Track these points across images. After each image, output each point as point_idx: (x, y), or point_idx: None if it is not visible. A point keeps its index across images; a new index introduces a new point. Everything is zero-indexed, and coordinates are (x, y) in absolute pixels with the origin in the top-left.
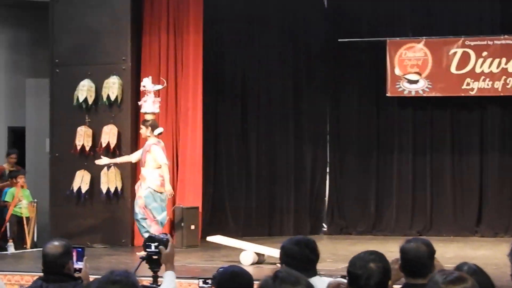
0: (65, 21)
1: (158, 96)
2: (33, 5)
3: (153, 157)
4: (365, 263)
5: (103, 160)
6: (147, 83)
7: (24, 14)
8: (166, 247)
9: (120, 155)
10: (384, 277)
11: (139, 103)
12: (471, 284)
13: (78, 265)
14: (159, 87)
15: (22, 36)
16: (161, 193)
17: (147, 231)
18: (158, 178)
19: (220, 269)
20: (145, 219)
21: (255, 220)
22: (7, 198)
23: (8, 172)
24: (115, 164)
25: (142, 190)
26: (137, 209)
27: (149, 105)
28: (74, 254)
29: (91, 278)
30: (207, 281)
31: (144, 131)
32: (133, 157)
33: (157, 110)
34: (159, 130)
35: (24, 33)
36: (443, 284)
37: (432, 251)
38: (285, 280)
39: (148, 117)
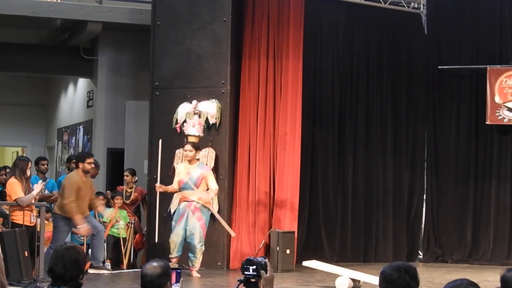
0: (166, 44)
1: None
2: (134, 28)
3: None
4: None
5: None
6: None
7: (125, 37)
8: (265, 270)
9: (218, 178)
10: None
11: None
12: None
13: (176, 286)
14: None
15: (124, 58)
16: None
17: None
18: None
19: None
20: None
21: (350, 245)
22: (105, 218)
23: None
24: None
25: None
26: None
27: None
28: (172, 275)
29: None
30: None
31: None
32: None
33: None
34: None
35: (126, 55)
36: None
37: None
38: None
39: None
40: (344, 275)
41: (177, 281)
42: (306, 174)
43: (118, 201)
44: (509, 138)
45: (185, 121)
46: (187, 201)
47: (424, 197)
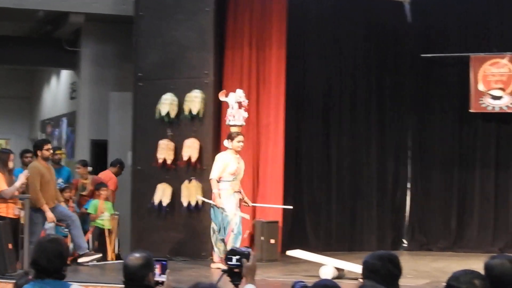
0: (149, 35)
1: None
2: (118, 19)
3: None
4: (470, 279)
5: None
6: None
7: (108, 28)
8: (248, 260)
9: (201, 169)
10: None
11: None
12: None
13: (162, 278)
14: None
15: (107, 50)
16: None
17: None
18: None
19: (298, 283)
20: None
21: (335, 234)
22: (90, 210)
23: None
24: (196, 177)
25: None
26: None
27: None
28: (158, 266)
29: None
30: None
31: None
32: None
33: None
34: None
35: (109, 47)
36: None
37: None
38: None
39: None
40: (329, 264)
41: (163, 272)
42: (291, 163)
43: (104, 192)
44: (493, 126)
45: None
46: (237, 191)
47: (409, 186)
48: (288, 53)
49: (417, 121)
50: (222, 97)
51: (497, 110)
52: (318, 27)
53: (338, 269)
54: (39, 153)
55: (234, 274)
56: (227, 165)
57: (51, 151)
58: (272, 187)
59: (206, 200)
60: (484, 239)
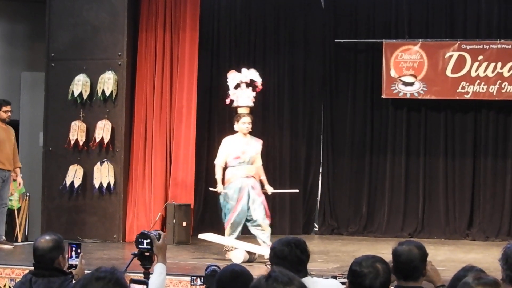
0: (62, 15)
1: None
2: None
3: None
4: (372, 263)
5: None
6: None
7: (20, 7)
8: (158, 240)
9: (114, 151)
10: (389, 279)
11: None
12: None
13: (75, 261)
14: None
15: (18, 29)
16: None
17: None
18: None
19: (210, 267)
20: None
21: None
22: None
23: None
24: (108, 159)
25: None
26: None
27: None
28: (71, 250)
29: None
30: (198, 279)
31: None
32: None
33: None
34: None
35: (20, 26)
36: (474, 284)
37: (424, 254)
38: (278, 280)
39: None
40: (240, 247)
41: (77, 255)
42: (203, 147)
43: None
44: (404, 112)
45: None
46: (244, 176)
47: (320, 170)
48: (200, 35)
49: (329, 106)
50: (231, 76)
51: (408, 96)
52: (230, 11)
53: (249, 252)
54: None
55: (145, 258)
56: (231, 149)
57: (9, 114)
58: (184, 170)
59: (211, 188)
60: (394, 224)
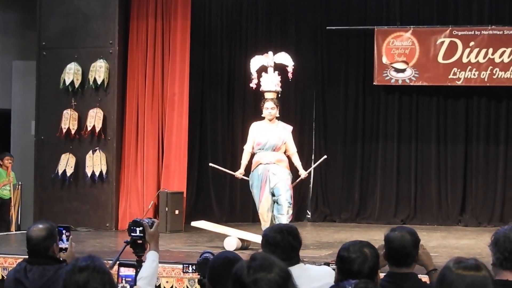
0: (53, 4)
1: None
2: None
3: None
4: (359, 248)
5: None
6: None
7: None
8: (151, 228)
9: (106, 139)
10: (377, 263)
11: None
12: (483, 275)
13: (63, 244)
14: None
15: (10, 18)
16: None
17: None
18: None
19: (204, 253)
20: None
21: (239, 206)
22: None
23: None
24: (100, 148)
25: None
26: None
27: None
28: (61, 233)
29: None
30: (190, 266)
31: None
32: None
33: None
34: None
35: (12, 15)
36: (454, 268)
37: (416, 240)
38: (259, 266)
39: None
40: (233, 235)
41: (67, 238)
42: (195, 134)
43: (7, 161)
44: (396, 98)
45: (261, 76)
46: (264, 163)
47: (313, 157)
48: (192, 24)
49: (321, 93)
50: (254, 60)
51: (400, 83)
52: None
53: (242, 240)
54: None
55: (137, 246)
56: (256, 135)
57: None
58: (176, 158)
59: (211, 164)
60: (386, 211)
